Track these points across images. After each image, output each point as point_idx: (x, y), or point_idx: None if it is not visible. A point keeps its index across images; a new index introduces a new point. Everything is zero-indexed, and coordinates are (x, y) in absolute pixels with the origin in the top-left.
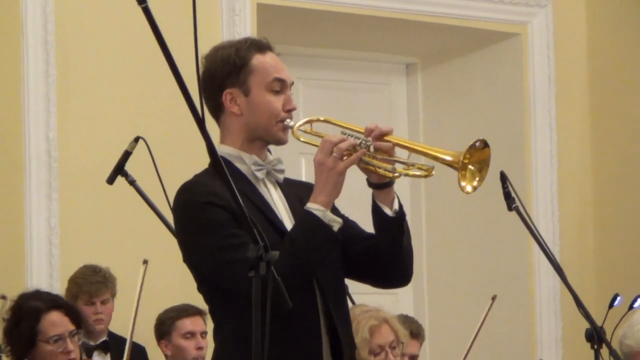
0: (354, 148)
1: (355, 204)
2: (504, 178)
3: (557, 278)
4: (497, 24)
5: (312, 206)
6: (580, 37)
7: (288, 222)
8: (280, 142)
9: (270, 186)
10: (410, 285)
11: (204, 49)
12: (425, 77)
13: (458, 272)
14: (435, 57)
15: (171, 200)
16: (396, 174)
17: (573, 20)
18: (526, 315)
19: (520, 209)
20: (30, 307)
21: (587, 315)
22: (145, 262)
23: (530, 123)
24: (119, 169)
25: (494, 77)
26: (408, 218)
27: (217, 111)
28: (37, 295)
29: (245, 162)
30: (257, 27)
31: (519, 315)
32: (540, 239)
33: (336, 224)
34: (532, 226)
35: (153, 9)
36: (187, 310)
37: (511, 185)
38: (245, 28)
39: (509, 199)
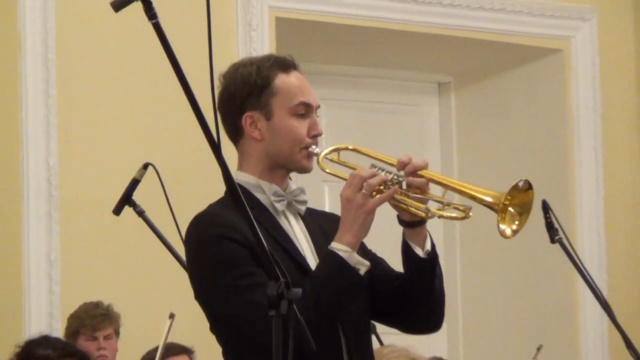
0: (385, 184)
1: (383, 238)
2: (546, 207)
3: (605, 316)
4: (538, 39)
5: (338, 246)
6: (628, 53)
7: (311, 258)
8: (304, 170)
9: (291, 218)
10: (443, 326)
11: (219, 67)
12: (459, 98)
13: (495, 311)
14: (470, 76)
15: (183, 233)
16: (430, 214)
17: (620, 34)
18: (571, 356)
19: (564, 240)
20: (40, 357)
21: (637, 357)
22: (171, 316)
23: (574, 147)
24: (127, 199)
25: (534, 97)
26: (441, 255)
27: (236, 135)
28: (46, 342)
29: (265, 191)
30: (276, 43)
31: (563, 355)
32: (586, 274)
33: (363, 267)
34: (577, 259)
35: (164, 24)
36: (172, 350)
37: (554, 215)
38: (263, 44)
39: (552, 230)
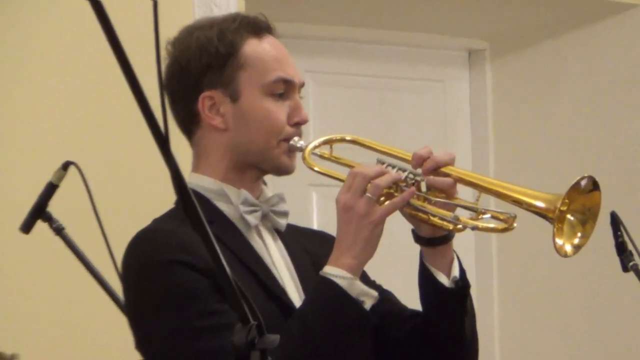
0: (397, 185)
1: (392, 263)
2: (615, 222)
3: None
4: None
5: (334, 271)
6: None
7: (293, 291)
8: (284, 170)
9: (266, 236)
10: None
11: (168, 32)
12: (496, 70)
13: (545, 359)
14: (512, 41)
15: (118, 257)
16: (459, 226)
17: None
18: None
19: None
20: None
21: None
22: None
23: None
24: (39, 211)
25: (598, 69)
26: (472, 282)
27: (190, 124)
28: None
29: (231, 200)
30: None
31: None
32: None
33: (369, 298)
34: None
35: None
36: None
37: (627, 233)
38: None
39: (624, 254)
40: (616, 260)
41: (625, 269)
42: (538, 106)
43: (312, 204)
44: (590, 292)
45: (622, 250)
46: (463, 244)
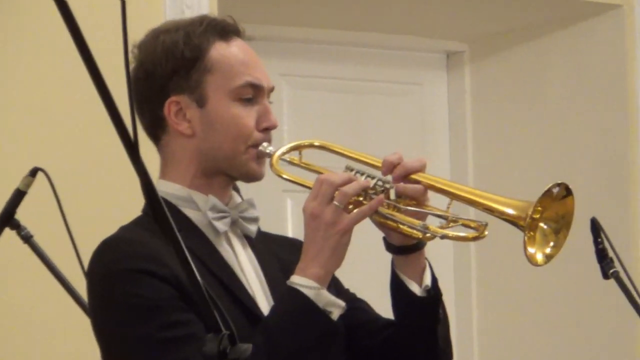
0: (365, 193)
1: (364, 270)
2: (596, 228)
3: None
4: None
5: (301, 281)
6: None
7: (263, 299)
8: (252, 176)
9: (236, 243)
10: None
11: (138, 34)
12: (475, 73)
13: None
14: (491, 43)
15: (86, 264)
16: (428, 234)
17: None
18: None
19: (622, 275)
20: None
21: None
22: None
23: (637, 140)
24: (7, 218)
25: (579, 70)
26: (451, 291)
27: (156, 129)
28: None
29: (199, 206)
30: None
31: None
32: None
33: (336, 308)
34: (638, 299)
35: None
36: None
37: (607, 239)
38: (200, 1)
39: (605, 261)
40: (596, 267)
41: (605, 276)
42: (518, 109)
43: (286, 210)
44: (570, 299)
45: (602, 257)
46: (441, 251)
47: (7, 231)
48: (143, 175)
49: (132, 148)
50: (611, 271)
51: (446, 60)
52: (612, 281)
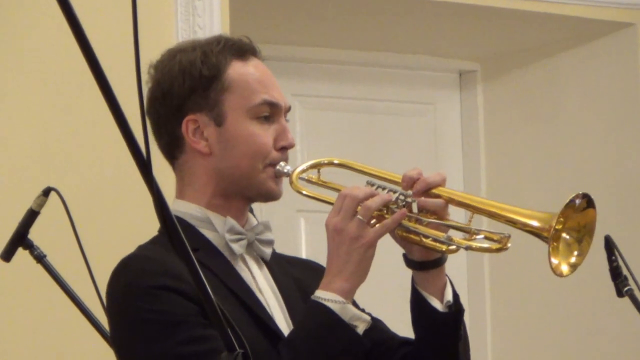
0: (387, 207)
1: (381, 288)
2: (610, 246)
3: None
4: (601, 10)
5: (326, 295)
6: None
7: (280, 318)
8: (270, 196)
9: (252, 264)
10: None
11: (150, 54)
12: (488, 91)
13: None
14: (503, 62)
15: (102, 285)
16: (452, 247)
17: None
18: None
19: (637, 293)
20: None
21: None
22: None
23: None
24: (20, 239)
25: (591, 88)
26: (465, 306)
27: (173, 149)
28: None
29: (216, 228)
30: (229, 18)
31: None
32: None
33: (362, 322)
34: None
35: None
36: None
37: (621, 257)
38: (212, 20)
39: (619, 278)
40: (610, 284)
41: (620, 293)
42: (530, 128)
43: (300, 230)
44: (585, 317)
45: (616, 274)
46: (455, 265)
47: (20, 251)
48: (156, 194)
49: (145, 167)
50: (626, 289)
51: (459, 79)
52: (626, 299)
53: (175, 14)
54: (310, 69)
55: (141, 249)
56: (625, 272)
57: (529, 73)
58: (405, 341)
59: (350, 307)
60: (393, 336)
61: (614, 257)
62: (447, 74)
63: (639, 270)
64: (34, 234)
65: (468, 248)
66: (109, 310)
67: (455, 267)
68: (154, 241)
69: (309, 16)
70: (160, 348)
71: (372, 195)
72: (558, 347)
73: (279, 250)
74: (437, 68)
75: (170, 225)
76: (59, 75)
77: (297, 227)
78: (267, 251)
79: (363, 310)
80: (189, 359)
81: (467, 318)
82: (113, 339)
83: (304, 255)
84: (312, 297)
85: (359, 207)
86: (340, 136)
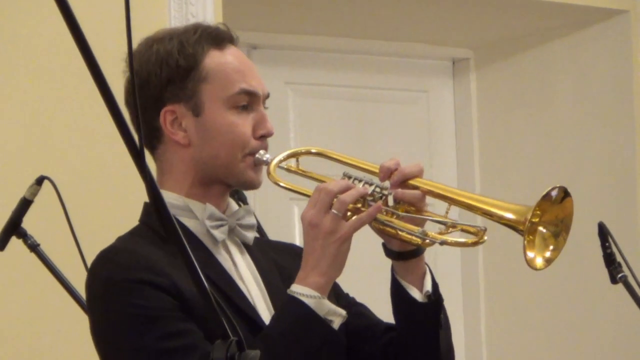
0: (364, 200)
1: (364, 276)
2: (604, 233)
3: None
4: None
5: (301, 290)
6: None
7: (263, 307)
8: (249, 184)
9: (234, 251)
10: None
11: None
12: (481, 79)
13: None
14: (496, 50)
15: None
16: (427, 240)
17: None
18: None
19: (631, 280)
20: None
21: None
22: None
23: None
24: (13, 227)
25: (584, 76)
26: (458, 297)
27: (152, 139)
28: None
29: (196, 215)
30: (222, 7)
31: None
32: None
33: (337, 317)
34: None
35: None
36: None
37: (615, 244)
38: (205, 7)
39: (613, 265)
40: (604, 271)
41: (614, 280)
42: (523, 115)
43: (293, 217)
44: (579, 304)
45: (610, 261)
46: (449, 258)
47: (14, 240)
48: (149, 182)
49: (138, 155)
50: (619, 275)
51: (452, 67)
52: (620, 285)
53: (168, 3)
54: (303, 57)
55: (120, 240)
56: (619, 258)
57: (522, 60)
58: (390, 327)
59: (326, 301)
60: (378, 322)
61: (607, 244)
62: (440, 62)
63: (633, 257)
64: (27, 223)
65: (443, 243)
66: (88, 302)
67: (450, 261)
68: (132, 232)
69: (302, 4)
70: (139, 343)
71: (347, 189)
72: (552, 334)
73: (272, 237)
74: (430, 56)
75: (164, 213)
76: (52, 64)
77: (291, 215)
78: (250, 235)
79: (347, 295)
80: (167, 353)
81: (461, 310)
82: (93, 332)
83: (297, 242)
84: (288, 291)
85: (335, 201)
86: (333, 124)
